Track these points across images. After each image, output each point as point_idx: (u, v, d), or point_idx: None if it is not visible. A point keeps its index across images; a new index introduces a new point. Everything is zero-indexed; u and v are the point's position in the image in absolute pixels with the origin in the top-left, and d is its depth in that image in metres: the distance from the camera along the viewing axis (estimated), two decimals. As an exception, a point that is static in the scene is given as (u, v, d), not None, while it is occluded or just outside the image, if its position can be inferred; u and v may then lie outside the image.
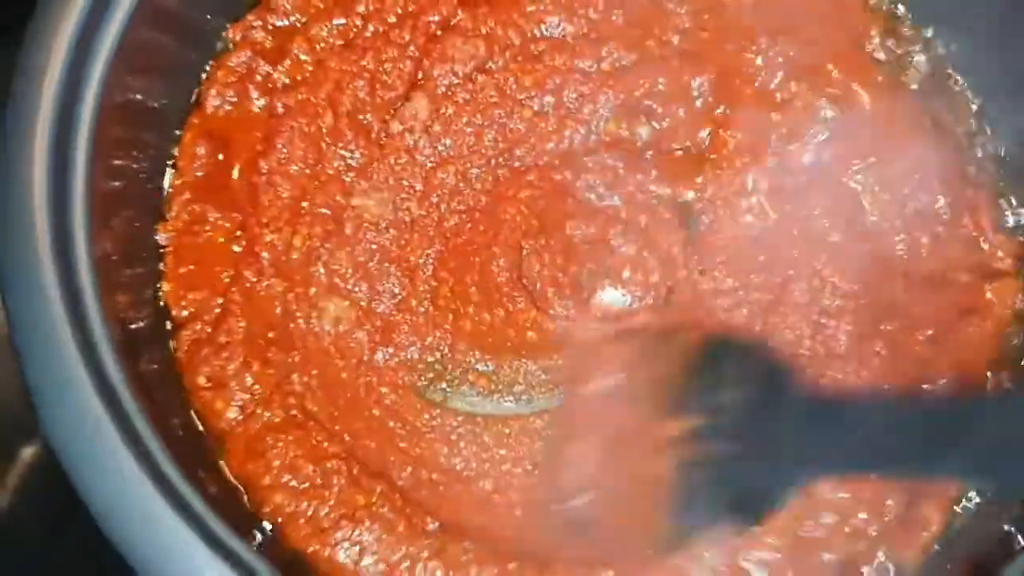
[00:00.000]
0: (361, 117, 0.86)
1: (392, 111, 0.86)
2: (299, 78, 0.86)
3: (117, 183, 0.76)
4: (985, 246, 0.85)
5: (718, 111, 0.88)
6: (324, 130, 0.85)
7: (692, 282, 0.84)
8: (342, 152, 0.85)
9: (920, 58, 0.91)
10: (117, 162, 0.76)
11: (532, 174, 0.86)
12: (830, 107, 0.87)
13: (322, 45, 0.87)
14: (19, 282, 0.67)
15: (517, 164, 0.87)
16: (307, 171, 0.84)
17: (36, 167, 0.68)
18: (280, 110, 0.85)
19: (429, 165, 0.86)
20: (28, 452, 0.98)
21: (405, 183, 0.85)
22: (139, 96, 0.79)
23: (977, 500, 0.78)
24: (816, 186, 0.86)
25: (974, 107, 0.90)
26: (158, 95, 0.82)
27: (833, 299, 0.82)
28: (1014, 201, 0.87)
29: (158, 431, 0.67)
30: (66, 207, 0.70)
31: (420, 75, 0.86)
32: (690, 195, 0.87)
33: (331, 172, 0.84)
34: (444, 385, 0.84)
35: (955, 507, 0.78)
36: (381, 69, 0.86)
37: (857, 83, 0.88)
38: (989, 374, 0.83)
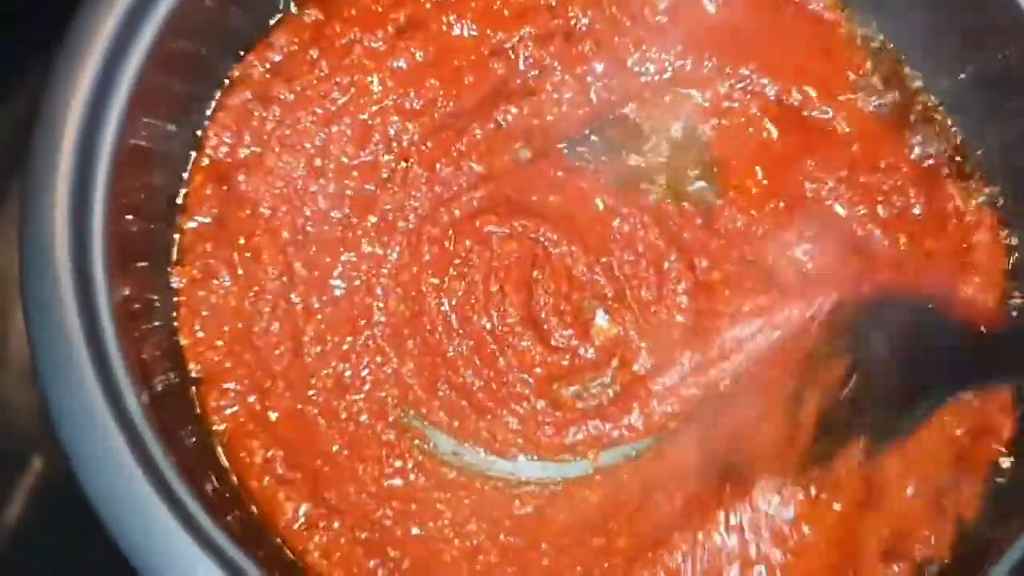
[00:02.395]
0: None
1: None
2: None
3: (135, 227, 0.79)
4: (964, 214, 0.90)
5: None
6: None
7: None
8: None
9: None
10: (134, 204, 0.78)
11: None
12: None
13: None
14: (42, 317, 0.70)
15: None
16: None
17: (57, 208, 0.71)
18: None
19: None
20: (39, 462, 1.00)
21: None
22: (155, 136, 0.81)
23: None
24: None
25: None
26: (171, 137, 0.84)
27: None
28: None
29: (179, 468, 0.71)
30: (86, 251, 0.72)
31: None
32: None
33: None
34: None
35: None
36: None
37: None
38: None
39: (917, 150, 0.92)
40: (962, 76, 0.91)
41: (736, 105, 0.92)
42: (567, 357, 0.88)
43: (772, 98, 0.92)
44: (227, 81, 0.88)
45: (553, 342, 0.88)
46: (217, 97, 0.87)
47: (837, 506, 0.80)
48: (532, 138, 0.91)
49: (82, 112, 0.73)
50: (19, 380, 1.02)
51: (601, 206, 0.91)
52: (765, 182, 0.91)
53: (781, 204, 0.90)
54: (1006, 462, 0.83)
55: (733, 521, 0.80)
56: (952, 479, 0.82)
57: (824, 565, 0.79)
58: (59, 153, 0.72)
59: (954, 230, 0.89)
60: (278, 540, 0.79)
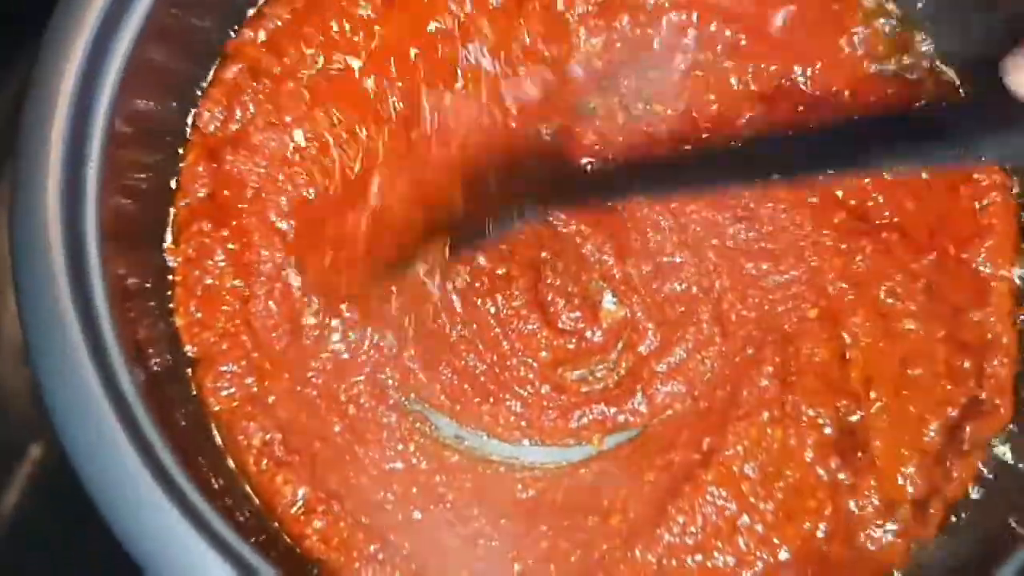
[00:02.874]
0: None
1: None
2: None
3: (128, 206, 0.77)
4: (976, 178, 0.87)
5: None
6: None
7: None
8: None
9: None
10: (127, 183, 0.77)
11: None
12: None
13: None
14: (35, 300, 0.68)
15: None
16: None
17: (49, 187, 0.69)
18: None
19: None
20: (36, 450, 0.98)
21: None
22: (147, 112, 0.79)
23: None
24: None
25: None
26: (165, 113, 0.83)
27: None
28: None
29: (175, 451, 0.70)
30: (79, 231, 0.71)
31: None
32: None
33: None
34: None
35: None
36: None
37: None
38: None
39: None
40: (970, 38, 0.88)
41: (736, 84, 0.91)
42: (573, 340, 0.87)
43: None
44: (220, 56, 0.86)
45: (560, 325, 0.87)
46: (212, 72, 0.86)
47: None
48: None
49: (73, 90, 0.71)
50: (16, 366, 1.01)
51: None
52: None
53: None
54: (1003, 450, 0.82)
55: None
56: (944, 460, 0.81)
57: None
58: (50, 131, 0.70)
59: (965, 192, 0.87)
60: (275, 524, 0.78)
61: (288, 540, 0.78)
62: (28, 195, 0.69)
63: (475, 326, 0.86)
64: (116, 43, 0.73)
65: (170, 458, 0.69)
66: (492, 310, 0.87)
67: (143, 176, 0.80)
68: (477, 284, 0.87)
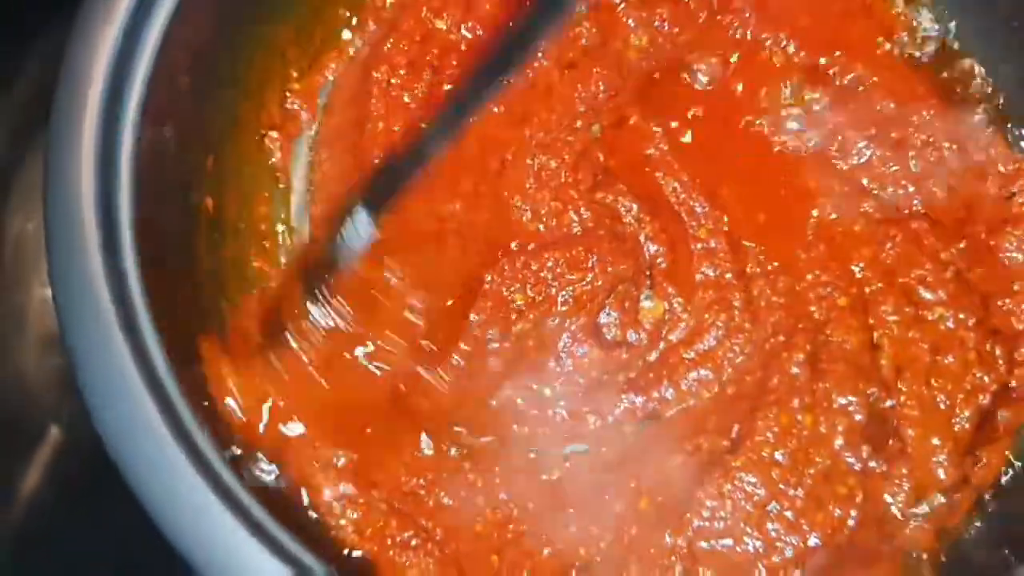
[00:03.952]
0: None
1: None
2: None
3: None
4: (1003, 169, 0.88)
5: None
6: None
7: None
8: None
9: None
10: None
11: None
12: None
13: None
14: (69, 286, 0.68)
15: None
16: None
17: (84, 170, 0.69)
18: None
19: None
20: (56, 431, 0.99)
21: None
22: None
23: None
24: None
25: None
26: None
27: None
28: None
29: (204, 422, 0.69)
30: (113, 212, 0.70)
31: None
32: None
33: None
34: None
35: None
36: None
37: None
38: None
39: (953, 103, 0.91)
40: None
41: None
42: (619, 350, 0.87)
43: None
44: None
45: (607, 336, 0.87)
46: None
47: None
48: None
49: (108, 64, 0.70)
50: (38, 350, 1.01)
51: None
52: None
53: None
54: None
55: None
56: (975, 447, 0.82)
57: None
58: (84, 110, 0.69)
59: (994, 181, 0.87)
60: (312, 514, 0.78)
61: (322, 530, 0.78)
62: (62, 174, 0.69)
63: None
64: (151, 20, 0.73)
65: (206, 442, 0.68)
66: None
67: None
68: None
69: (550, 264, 0.85)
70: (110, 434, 0.66)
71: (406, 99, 0.86)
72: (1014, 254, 0.85)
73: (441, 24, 0.87)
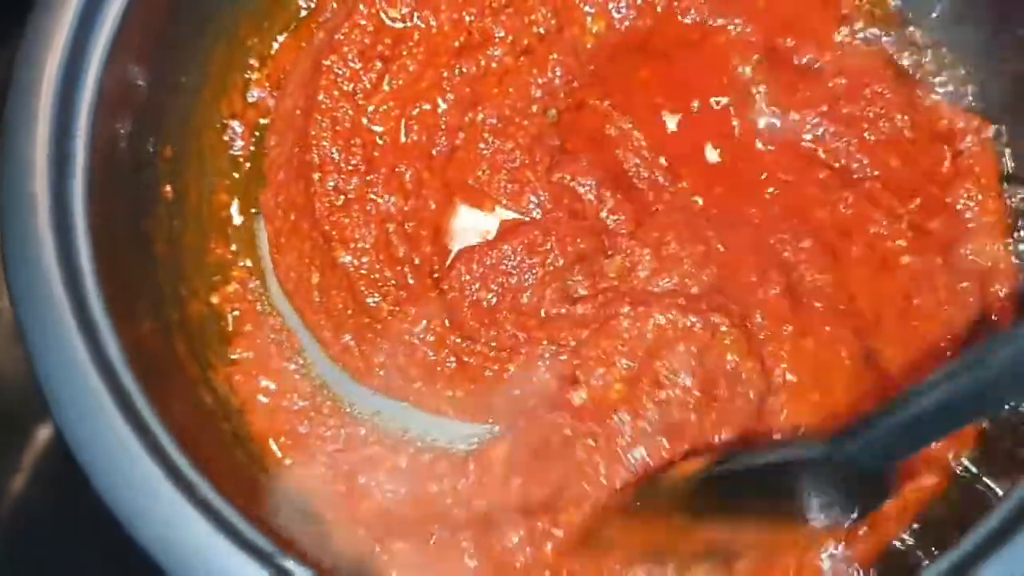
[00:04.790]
0: None
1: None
2: None
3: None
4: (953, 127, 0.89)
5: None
6: None
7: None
8: None
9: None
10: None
11: None
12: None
13: None
14: (21, 266, 0.69)
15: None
16: None
17: (37, 151, 0.71)
18: None
19: None
20: (43, 433, 1.00)
21: None
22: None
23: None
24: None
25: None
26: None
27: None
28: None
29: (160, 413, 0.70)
30: (65, 186, 0.72)
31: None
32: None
33: None
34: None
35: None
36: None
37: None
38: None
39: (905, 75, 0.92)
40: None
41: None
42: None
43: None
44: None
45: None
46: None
47: None
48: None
49: (63, 52, 0.72)
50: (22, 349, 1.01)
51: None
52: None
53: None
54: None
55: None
56: None
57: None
58: (39, 98, 0.71)
59: (947, 145, 0.88)
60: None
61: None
62: (16, 161, 0.70)
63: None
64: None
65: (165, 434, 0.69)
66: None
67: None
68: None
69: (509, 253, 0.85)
70: (76, 439, 0.67)
71: (350, 87, 0.87)
72: (968, 202, 0.86)
73: (394, 13, 0.87)
